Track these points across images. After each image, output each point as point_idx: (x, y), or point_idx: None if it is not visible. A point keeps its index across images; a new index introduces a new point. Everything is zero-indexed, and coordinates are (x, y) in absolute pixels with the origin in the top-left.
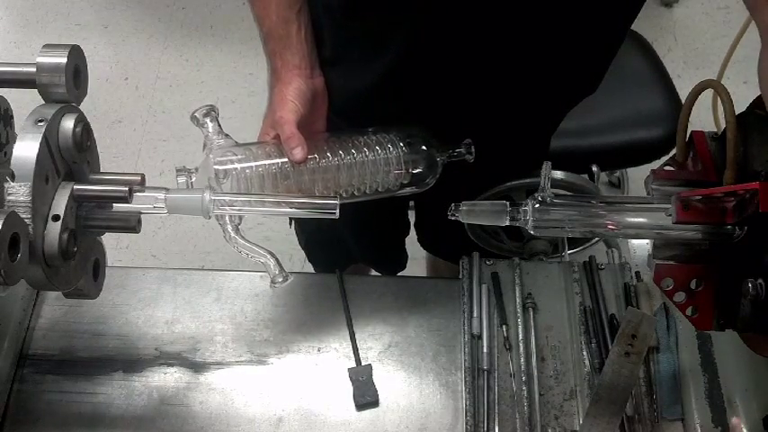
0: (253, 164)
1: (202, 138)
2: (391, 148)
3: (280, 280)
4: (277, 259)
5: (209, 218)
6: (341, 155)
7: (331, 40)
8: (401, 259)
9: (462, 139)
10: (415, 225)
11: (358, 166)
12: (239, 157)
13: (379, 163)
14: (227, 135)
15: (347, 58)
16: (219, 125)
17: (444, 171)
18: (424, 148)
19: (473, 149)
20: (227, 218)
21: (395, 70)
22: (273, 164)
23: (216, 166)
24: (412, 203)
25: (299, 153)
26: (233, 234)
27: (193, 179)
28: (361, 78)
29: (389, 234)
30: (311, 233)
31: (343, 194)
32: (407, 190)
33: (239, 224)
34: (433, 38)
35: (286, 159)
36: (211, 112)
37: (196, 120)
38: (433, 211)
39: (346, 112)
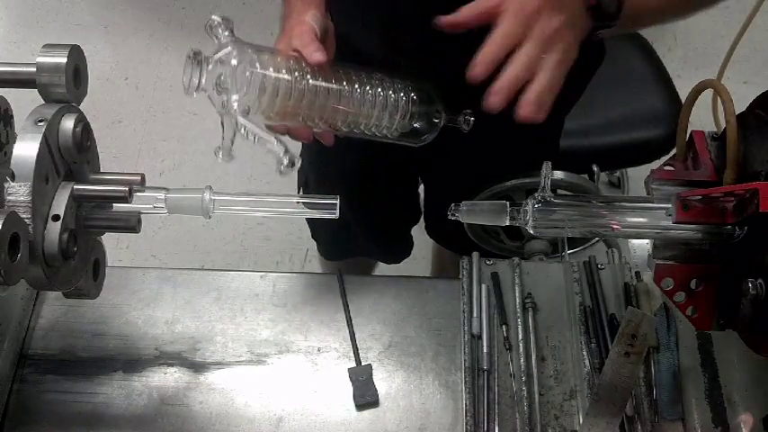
0: (268, 68)
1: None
2: (402, 94)
3: (287, 162)
4: (285, 144)
5: (209, 217)
6: (354, 82)
7: None
8: (407, 247)
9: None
10: (423, 213)
11: (367, 100)
12: (255, 58)
13: (385, 103)
14: (241, 40)
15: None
16: (233, 32)
17: (457, 160)
18: (429, 104)
19: (471, 121)
20: (230, 115)
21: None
22: (287, 74)
23: (232, 61)
24: (422, 190)
25: (318, 55)
26: (240, 117)
27: (209, 68)
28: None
29: (399, 220)
30: (320, 221)
31: (344, 128)
32: (403, 141)
33: (247, 113)
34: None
35: (300, 74)
36: (227, 21)
37: (210, 28)
38: (441, 199)
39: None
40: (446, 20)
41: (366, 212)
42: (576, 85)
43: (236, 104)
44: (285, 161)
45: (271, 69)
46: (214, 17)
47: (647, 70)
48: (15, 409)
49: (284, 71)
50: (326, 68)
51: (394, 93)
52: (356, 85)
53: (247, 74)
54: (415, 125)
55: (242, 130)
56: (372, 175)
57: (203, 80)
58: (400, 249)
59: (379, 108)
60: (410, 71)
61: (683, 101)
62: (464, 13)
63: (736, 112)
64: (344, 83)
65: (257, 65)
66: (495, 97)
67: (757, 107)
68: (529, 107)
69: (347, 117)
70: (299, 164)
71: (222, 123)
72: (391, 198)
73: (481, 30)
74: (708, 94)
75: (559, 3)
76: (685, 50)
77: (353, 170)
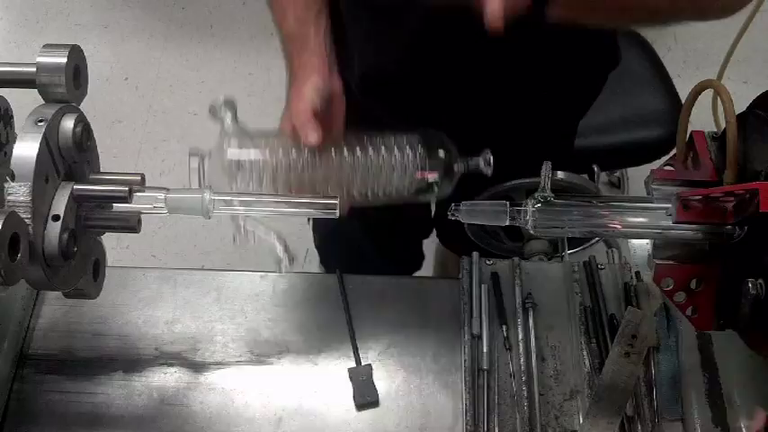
0: (267, 154)
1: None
2: (409, 151)
3: (285, 262)
4: (286, 243)
5: (209, 218)
6: (357, 151)
7: (352, 16)
8: (418, 260)
9: (481, 139)
10: (436, 223)
11: (374, 166)
12: (254, 146)
13: (395, 165)
14: (243, 126)
15: (368, 33)
16: (237, 118)
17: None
18: (441, 155)
19: (491, 161)
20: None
21: (411, 49)
22: (288, 155)
23: (231, 153)
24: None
25: (312, 136)
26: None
27: (206, 165)
28: (379, 53)
29: (411, 235)
30: (326, 234)
31: (356, 196)
32: (421, 198)
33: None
34: (445, 21)
35: (301, 151)
36: (230, 102)
37: (215, 110)
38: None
39: (368, 90)
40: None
41: (378, 228)
42: (590, 89)
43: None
44: (285, 260)
45: (268, 153)
46: (215, 104)
47: (647, 70)
48: (15, 409)
49: (283, 154)
50: (327, 144)
51: (399, 151)
52: (360, 153)
53: (248, 164)
54: (430, 179)
55: (240, 230)
56: None
57: (205, 179)
58: (412, 263)
59: (386, 171)
60: (423, 118)
61: (683, 101)
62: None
63: (737, 112)
64: (347, 153)
65: (252, 154)
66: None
67: (757, 107)
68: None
69: (352, 186)
70: (294, 261)
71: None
72: (404, 211)
73: (495, 63)
74: (708, 94)
75: None
76: (685, 50)
77: None
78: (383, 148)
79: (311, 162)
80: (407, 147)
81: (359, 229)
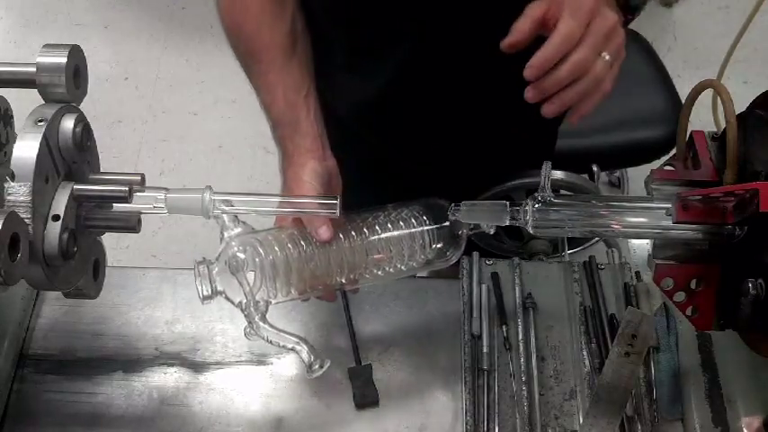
0: (276, 250)
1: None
2: (415, 223)
3: (316, 367)
4: (310, 345)
5: (210, 218)
6: (365, 233)
7: (341, 49)
8: None
9: (468, 145)
10: None
11: (383, 244)
12: (260, 244)
13: (404, 239)
14: (243, 222)
15: (354, 67)
16: (235, 214)
17: (452, 170)
18: (447, 223)
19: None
20: (251, 306)
21: (396, 80)
22: (297, 248)
23: (239, 254)
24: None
25: (325, 232)
26: (260, 323)
27: (215, 270)
28: (366, 86)
29: None
30: None
31: (367, 276)
32: (430, 267)
33: (266, 311)
34: (430, 52)
35: (309, 241)
36: (226, 201)
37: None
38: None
39: (353, 120)
40: (506, 43)
41: None
42: None
43: (259, 301)
44: (316, 365)
45: (277, 249)
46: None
47: (647, 70)
48: (15, 409)
49: (290, 246)
50: (335, 229)
51: (406, 225)
52: (368, 235)
53: (257, 261)
54: (438, 246)
55: (265, 338)
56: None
57: (216, 285)
58: None
59: (397, 249)
60: (411, 138)
61: (683, 101)
62: (518, 29)
63: (736, 112)
64: (355, 237)
65: (261, 251)
66: (534, 92)
67: (757, 107)
68: (577, 113)
69: (366, 267)
70: (327, 365)
71: (244, 312)
72: None
73: (478, 82)
74: (708, 94)
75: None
76: (685, 50)
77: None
78: (389, 225)
79: (322, 252)
80: (413, 221)
81: None
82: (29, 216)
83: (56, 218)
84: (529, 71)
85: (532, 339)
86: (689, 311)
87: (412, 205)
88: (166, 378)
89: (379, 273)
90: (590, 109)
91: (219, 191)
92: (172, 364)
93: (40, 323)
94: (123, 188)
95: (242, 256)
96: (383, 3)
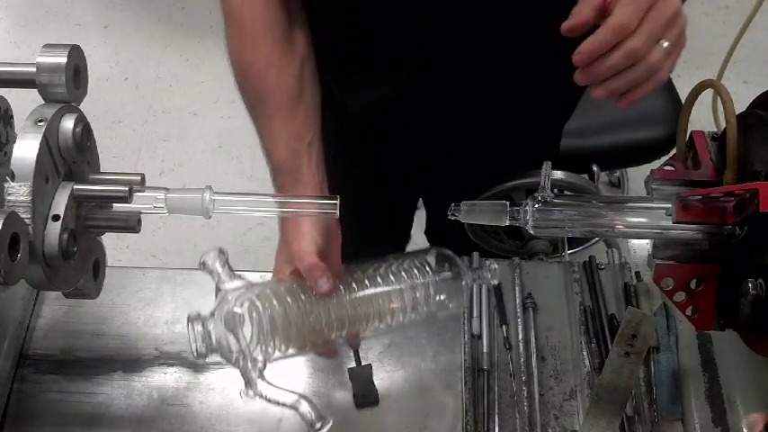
0: (274, 304)
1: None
2: (417, 274)
3: (318, 426)
4: (311, 402)
5: (209, 218)
6: (366, 285)
7: (354, 57)
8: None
9: (474, 147)
10: (425, 232)
11: (386, 297)
12: (258, 298)
13: (407, 291)
14: (238, 276)
15: (368, 73)
16: (230, 266)
17: (459, 177)
18: (450, 274)
19: (497, 271)
20: (248, 364)
21: (410, 87)
22: (296, 301)
23: (236, 309)
24: (420, 204)
25: (324, 284)
26: (259, 381)
27: (211, 326)
28: (379, 91)
29: (388, 244)
30: None
31: (369, 329)
32: (432, 315)
33: (264, 368)
34: (445, 61)
35: (309, 294)
36: (221, 255)
37: (205, 265)
38: (442, 213)
39: (361, 120)
40: (566, 26)
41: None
42: (571, 96)
43: (257, 358)
44: (318, 425)
45: (275, 303)
46: (205, 259)
47: None
48: (15, 409)
49: (289, 300)
50: (335, 281)
51: (409, 276)
52: (370, 287)
53: (254, 317)
54: (442, 298)
55: (263, 396)
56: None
57: (212, 343)
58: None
59: (399, 301)
60: (421, 138)
61: (683, 101)
62: (579, 12)
63: (736, 112)
64: (356, 289)
65: (259, 305)
66: (583, 76)
67: (757, 107)
68: (627, 99)
69: (368, 319)
70: (330, 423)
71: (240, 370)
72: (380, 222)
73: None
74: (708, 94)
75: None
76: (685, 50)
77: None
78: (391, 277)
79: (323, 306)
80: (416, 272)
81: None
82: (29, 216)
83: (56, 218)
84: (578, 57)
85: (532, 339)
86: (689, 311)
87: (415, 255)
88: (166, 378)
89: (381, 325)
90: (642, 96)
91: (219, 191)
92: (172, 364)
93: (40, 323)
94: (123, 188)
95: (239, 311)
96: (397, 18)
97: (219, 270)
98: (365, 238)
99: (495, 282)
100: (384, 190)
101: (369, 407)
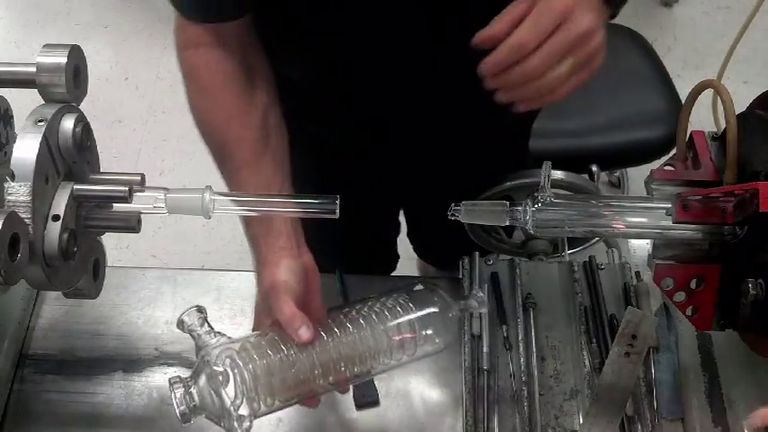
0: (255, 358)
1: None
2: (401, 312)
3: None
4: None
5: (209, 218)
6: (349, 329)
7: (288, 36)
8: (391, 261)
9: (442, 151)
10: (408, 234)
11: (369, 338)
12: (238, 354)
13: (391, 331)
14: (218, 333)
15: (305, 48)
16: (209, 324)
17: (437, 184)
18: (434, 309)
19: (484, 299)
20: (234, 423)
21: (353, 64)
22: (278, 353)
23: (216, 368)
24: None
25: (305, 333)
26: None
27: (193, 388)
28: (319, 63)
29: (379, 236)
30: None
31: (356, 374)
32: (421, 352)
33: (251, 426)
34: (410, 73)
35: (291, 345)
36: (199, 314)
37: (183, 324)
38: (423, 218)
39: (333, 143)
40: (479, 37)
41: (344, 228)
42: None
43: (243, 416)
44: None
45: (255, 357)
46: (184, 317)
47: (647, 70)
48: (15, 409)
49: (270, 352)
50: (316, 329)
51: (392, 315)
52: (353, 331)
53: (236, 373)
54: (428, 333)
55: None
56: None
57: (195, 404)
58: (384, 264)
59: (386, 341)
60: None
61: (683, 101)
62: (494, 27)
63: (736, 112)
64: (339, 335)
65: (239, 362)
66: (488, 83)
67: (757, 107)
68: (523, 107)
69: (355, 364)
70: None
71: (226, 429)
72: (368, 214)
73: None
74: (708, 94)
75: (590, 1)
76: (685, 50)
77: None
78: (374, 317)
79: (306, 355)
80: (399, 309)
81: (331, 229)
82: (29, 216)
83: (56, 218)
84: (482, 69)
85: (532, 339)
86: (689, 311)
87: (396, 294)
88: (166, 378)
89: (369, 370)
90: (537, 106)
91: (219, 191)
92: (172, 364)
93: (40, 323)
94: (123, 188)
95: (219, 369)
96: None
97: (198, 329)
98: (352, 252)
99: (484, 310)
100: (364, 204)
101: (369, 407)
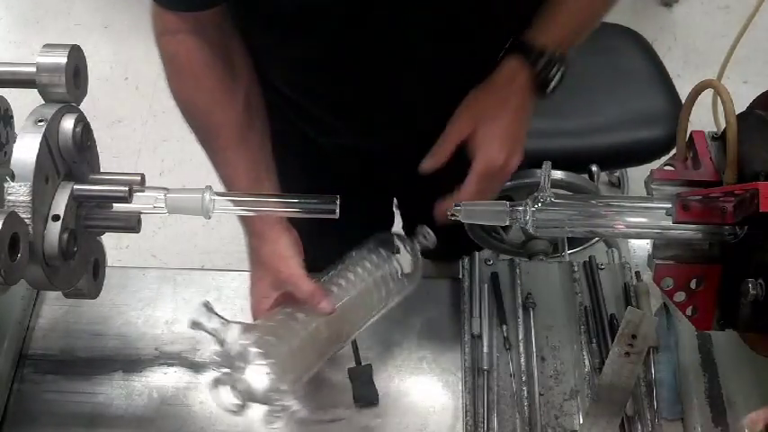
0: (285, 336)
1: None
2: (385, 257)
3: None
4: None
5: (209, 218)
6: (353, 285)
7: (261, 30)
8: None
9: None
10: (402, 228)
11: (371, 291)
12: (265, 335)
13: (386, 277)
14: (230, 321)
15: (280, 45)
16: (220, 316)
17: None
18: (405, 248)
19: (429, 233)
20: (280, 396)
21: (325, 57)
22: (304, 328)
23: (254, 359)
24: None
25: (327, 305)
26: (296, 407)
27: (237, 383)
28: (294, 62)
29: (373, 228)
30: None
31: (363, 326)
32: (403, 293)
33: (294, 398)
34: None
35: (311, 318)
36: (208, 310)
37: (198, 325)
38: (416, 212)
39: (295, 88)
40: (426, 166)
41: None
42: None
43: (283, 388)
44: None
45: (283, 333)
46: (195, 318)
47: (647, 70)
48: (15, 409)
49: (295, 326)
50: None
51: (381, 263)
52: (356, 287)
53: (270, 352)
54: (409, 271)
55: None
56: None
57: (243, 393)
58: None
59: (382, 287)
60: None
61: (683, 101)
62: (439, 155)
63: (736, 112)
64: (346, 293)
65: (269, 339)
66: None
67: (757, 107)
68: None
69: (365, 317)
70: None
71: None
72: (362, 206)
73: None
74: (708, 94)
75: (520, 138)
76: (685, 50)
77: None
78: (362, 275)
79: (323, 322)
80: (376, 257)
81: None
82: (29, 216)
83: (56, 218)
84: (437, 217)
85: (532, 339)
86: (689, 311)
87: (366, 247)
88: (166, 378)
89: (375, 314)
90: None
91: (219, 191)
92: (172, 364)
93: (40, 323)
94: (123, 188)
95: (259, 359)
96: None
97: (215, 325)
98: (346, 247)
99: (431, 246)
100: (356, 197)
101: (369, 407)
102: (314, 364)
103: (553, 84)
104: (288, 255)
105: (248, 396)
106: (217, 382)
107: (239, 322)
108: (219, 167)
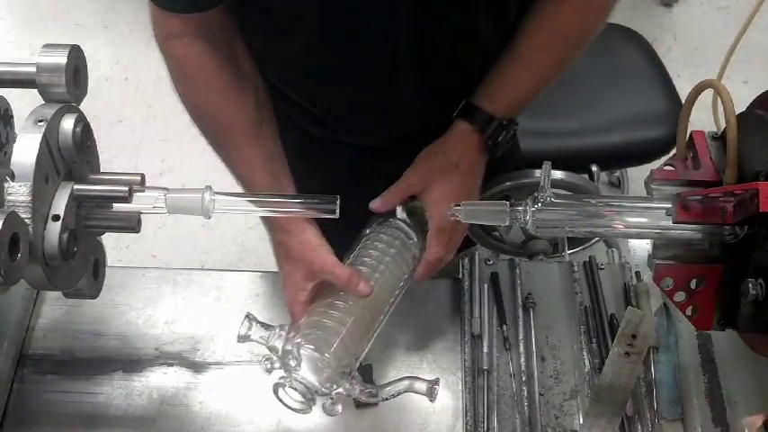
0: (333, 328)
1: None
2: (395, 225)
3: (435, 391)
4: (417, 378)
5: (209, 218)
6: (378, 260)
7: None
8: None
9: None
10: None
11: (396, 261)
12: (316, 331)
13: (405, 243)
14: (271, 326)
15: (268, 42)
16: (263, 323)
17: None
18: (400, 218)
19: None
20: (348, 384)
21: (309, 54)
22: (349, 315)
23: (309, 351)
24: None
25: (365, 288)
26: (364, 388)
27: (296, 384)
28: (284, 59)
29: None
30: None
31: (402, 292)
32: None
33: (355, 379)
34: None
35: (352, 303)
36: (252, 322)
37: (246, 338)
38: None
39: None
40: (375, 207)
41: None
42: None
43: (349, 372)
44: (435, 390)
45: (331, 325)
46: (242, 331)
47: (647, 70)
48: (15, 409)
49: (343, 318)
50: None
51: (397, 234)
52: (383, 260)
53: (330, 353)
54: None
55: (384, 398)
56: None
57: (311, 391)
58: None
59: (402, 256)
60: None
61: (683, 101)
62: (390, 201)
63: (737, 112)
64: (376, 268)
65: (326, 338)
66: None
67: (757, 107)
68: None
69: (396, 286)
70: (438, 385)
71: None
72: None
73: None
74: (708, 94)
75: (473, 193)
76: (685, 50)
77: None
78: (385, 243)
79: (363, 305)
80: (391, 227)
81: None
82: (29, 216)
83: (56, 218)
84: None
85: (532, 339)
86: (689, 311)
87: (372, 223)
88: (166, 378)
89: (406, 285)
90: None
91: (219, 191)
92: (172, 364)
93: (40, 323)
94: (123, 188)
95: (308, 352)
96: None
97: (262, 333)
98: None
99: (403, 215)
100: (356, 195)
101: (369, 407)
102: (364, 345)
103: (500, 148)
104: (317, 244)
105: (310, 392)
106: (278, 387)
107: (283, 325)
108: (236, 166)
